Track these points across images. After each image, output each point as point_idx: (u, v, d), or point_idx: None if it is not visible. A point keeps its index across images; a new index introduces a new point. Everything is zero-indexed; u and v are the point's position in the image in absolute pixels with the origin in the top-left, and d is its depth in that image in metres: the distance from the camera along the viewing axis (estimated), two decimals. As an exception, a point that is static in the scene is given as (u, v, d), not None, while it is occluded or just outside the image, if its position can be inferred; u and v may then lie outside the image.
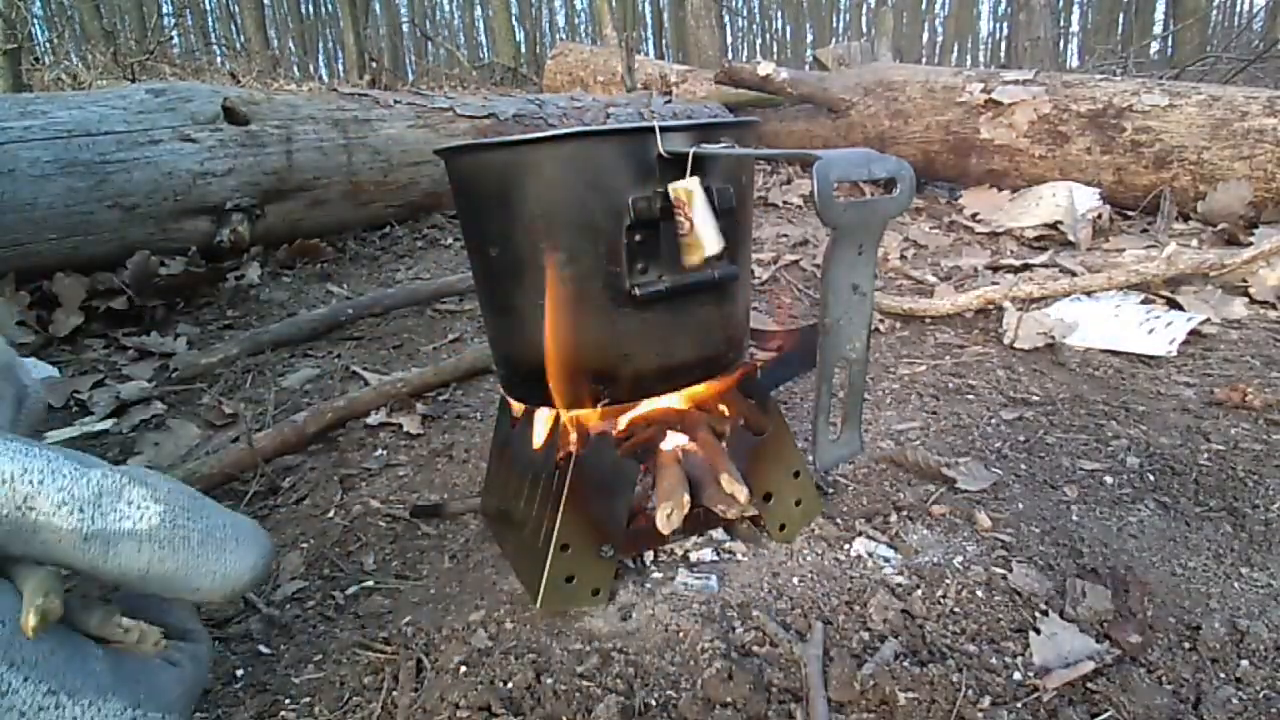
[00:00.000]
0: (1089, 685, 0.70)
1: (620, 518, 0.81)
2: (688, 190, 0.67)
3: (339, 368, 1.57)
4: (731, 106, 3.81)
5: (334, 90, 2.73)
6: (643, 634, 0.78)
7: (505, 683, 0.72)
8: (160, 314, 1.86)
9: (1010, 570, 0.84)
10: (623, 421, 0.85)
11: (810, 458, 0.78)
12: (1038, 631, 0.75)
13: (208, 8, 15.42)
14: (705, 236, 0.68)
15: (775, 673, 0.72)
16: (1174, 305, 1.71)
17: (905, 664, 0.72)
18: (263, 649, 0.81)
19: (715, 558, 0.90)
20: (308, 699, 0.74)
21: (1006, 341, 1.59)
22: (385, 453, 1.24)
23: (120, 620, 0.36)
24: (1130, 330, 1.57)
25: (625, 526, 0.82)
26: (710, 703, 0.69)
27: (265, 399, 1.42)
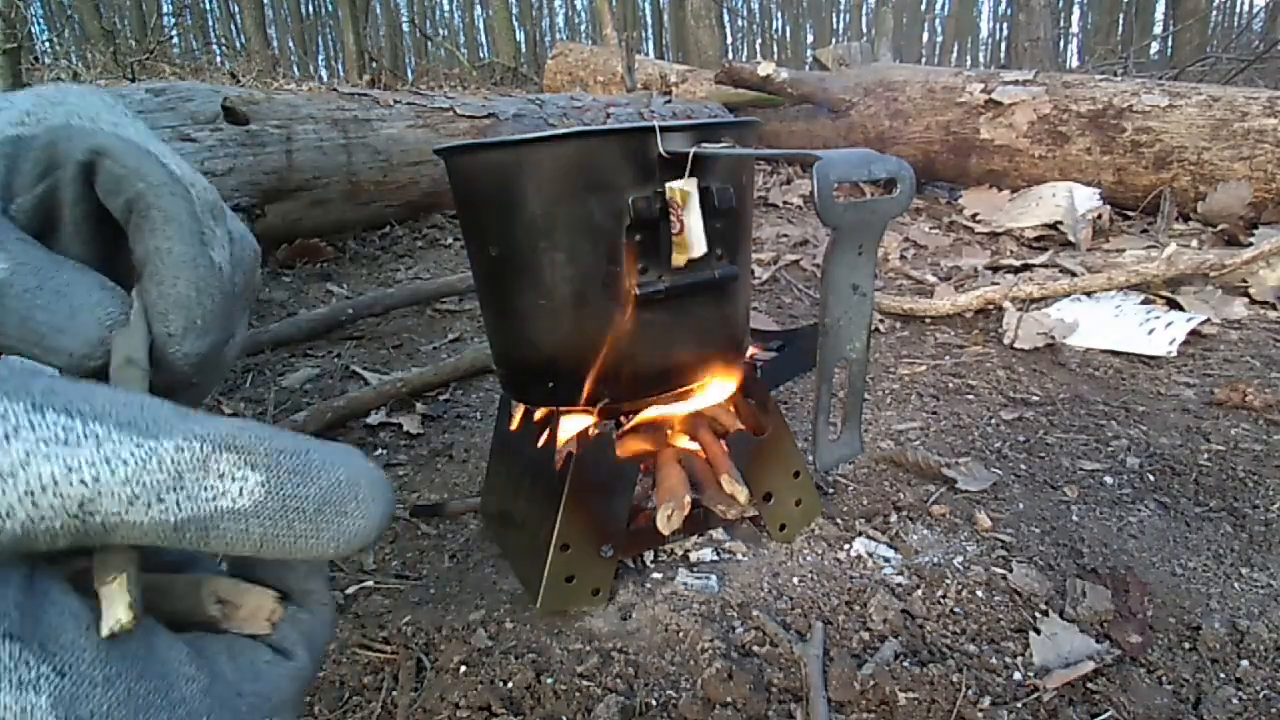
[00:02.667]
0: (1089, 685, 0.70)
1: (620, 518, 0.81)
2: (684, 191, 0.67)
3: (339, 367, 1.57)
4: (731, 106, 3.81)
5: (334, 90, 2.73)
6: (643, 634, 0.78)
7: (505, 682, 0.72)
8: (160, 314, 1.86)
9: (1010, 570, 0.84)
10: (623, 421, 0.85)
11: (810, 458, 0.78)
12: (1038, 631, 0.75)
13: (208, 8, 15.42)
14: (693, 239, 0.68)
15: (775, 673, 0.72)
16: (1174, 305, 1.71)
17: (905, 664, 0.72)
18: (263, 649, 0.81)
19: (715, 558, 0.90)
20: (307, 698, 0.74)
21: (1006, 341, 1.59)
22: (385, 452, 1.24)
23: (217, 592, 0.29)
24: (1130, 330, 1.57)
25: (625, 526, 0.82)
26: (710, 702, 0.68)
27: (265, 399, 1.41)
